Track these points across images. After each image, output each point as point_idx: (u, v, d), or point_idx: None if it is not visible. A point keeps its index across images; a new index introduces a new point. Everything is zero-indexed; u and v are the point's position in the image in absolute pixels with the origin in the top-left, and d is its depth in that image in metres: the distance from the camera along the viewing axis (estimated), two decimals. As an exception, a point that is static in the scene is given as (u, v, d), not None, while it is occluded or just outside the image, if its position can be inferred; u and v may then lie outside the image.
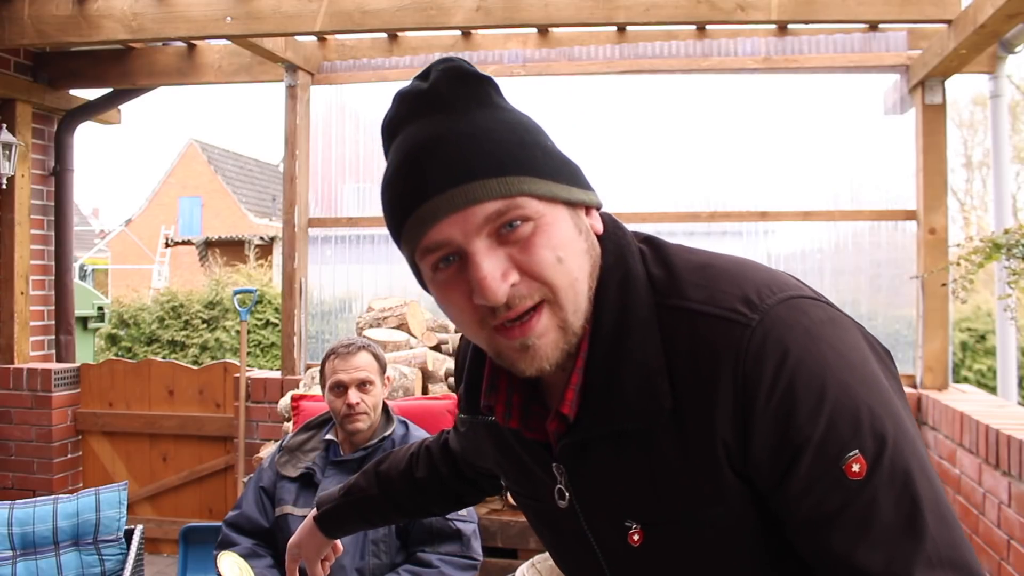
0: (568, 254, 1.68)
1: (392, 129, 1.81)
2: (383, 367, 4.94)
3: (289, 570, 2.90)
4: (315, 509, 2.83)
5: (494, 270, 1.63)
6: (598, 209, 1.85)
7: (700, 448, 1.67)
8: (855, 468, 1.58)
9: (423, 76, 1.78)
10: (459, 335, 7.18)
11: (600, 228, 1.82)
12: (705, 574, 1.80)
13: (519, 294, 1.65)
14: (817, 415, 1.59)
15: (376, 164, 8.70)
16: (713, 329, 1.66)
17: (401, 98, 1.80)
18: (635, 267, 1.78)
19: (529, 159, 1.68)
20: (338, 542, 2.93)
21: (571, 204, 1.74)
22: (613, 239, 1.82)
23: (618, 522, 1.82)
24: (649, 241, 1.87)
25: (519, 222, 1.64)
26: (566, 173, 1.74)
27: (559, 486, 1.90)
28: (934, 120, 7.24)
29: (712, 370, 1.64)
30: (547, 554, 4.31)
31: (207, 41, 8.34)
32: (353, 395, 4.76)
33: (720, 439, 1.65)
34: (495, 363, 1.88)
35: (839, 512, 1.60)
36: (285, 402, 7.00)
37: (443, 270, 1.70)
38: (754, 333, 1.63)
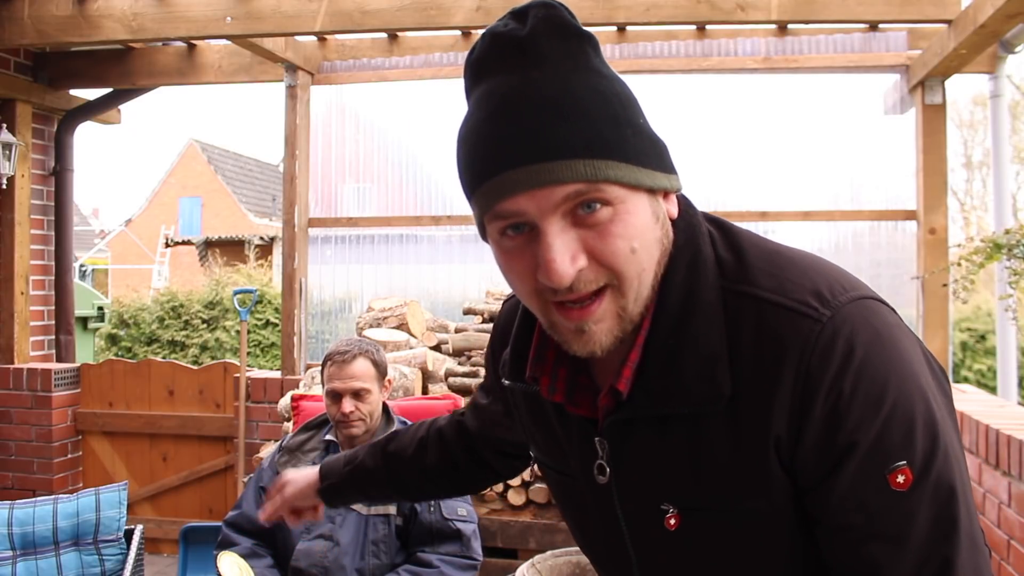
0: (642, 244, 1.62)
1: (477, 72, 1.70)
2: (382, 372, 4.93)
3: (268, 495, 2.88)
4: (318, 476, 2.79)
5: (563, 252, 1.57)
6: (678, 192, 1.78)
7: (752, 439, 1.65)
8: (900, 479, 1.56)
9: (519, 17, 1.66)
10: (459, 335, 7.19)
11: (675, 213, 1.76)
12: (735, 569, 1.78)
13: (585, 279, 1.60)
14: (873, 419, 1.57)
15: (376, 164, 8.71)
16: (781, 320, 1.63)
17: (493, 39, 1.68)
18: (705, 249, 1.74)
19: (619, 140, 1.59)
20: (320, 510, 2.88)
21: (651, 191, 1.66)
22: (686, 219, 1.77)
23: (655, 505, 1.79)
24: (719, 224, 1.83)
25: (598, 205, 1.57)
26: (653, 156, 1.66)
27: (600, 461, 1.85)
28: (934, 120, 7.25)
29: (776, 361, 1.61)
30: (547, 554, 4.31)
31: (207, 41, 8.34)
32: (347, 404, 4.75)
33: (774, 432, 1.63)
34: (543, 336, 1.86)
35: (875, 520, 1.59)
36: (285, 402, 7.00)
37: (511, 237, 1.64)
38: (824, 328, 1.59)
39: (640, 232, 1.61)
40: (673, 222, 1.75)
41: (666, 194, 1.73)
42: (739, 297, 1.67)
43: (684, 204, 1.80)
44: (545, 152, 1.54)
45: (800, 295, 1.63)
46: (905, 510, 1.56)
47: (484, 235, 1.74)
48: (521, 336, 1.94)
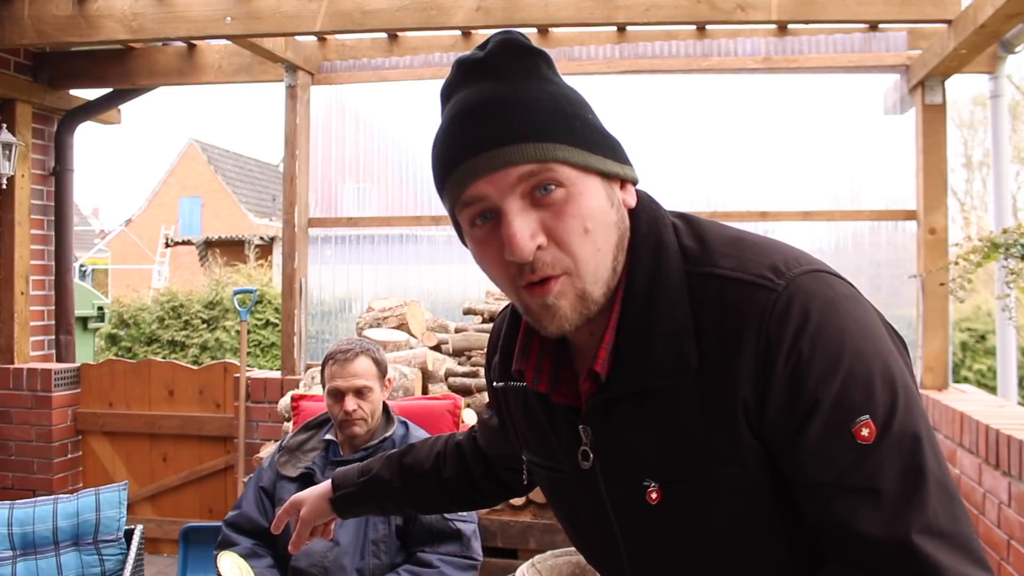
0: (596, 225, 1.76)
1: (447, 93, 1.90)
2: (383, 371, 4.94)
3: (279, 519, 2.92)
4: (331, 487, 2.82)
5: (523, 228, 1.72)
6: (634, 184, 1.93)
7: (721, 406, 1.75)
8: (864, 432, 1.64)
9: (482, 46, 1.85)
10: (459, 335, 7.21)
11: (633, 202, 1.90)
12: (718, 540, 1.85)
13: (543, 261, 1.74)
14: (832, 378, 1.66)
15: (376, 164, 8.71)
16: (741, 293, 1.74)
17: (458, 65, 1.88)
18: (668, 238, 1.87)
19: (567, 128, 1.76)
20: (332, 527, 2.93)
21: (605, 176, 1.82)
22: (648, 211, 1.91)
23: (637, 482, 1.88)
24: (684, 217, 1.95)
25: (552, 186, 1.73)
26: (604, 146, 1.82)
27: (583, 447, 1.96)
28: (934, 120, 7.24)
29: (737, 331, 1.73)
30: (547, 554, 4.31)
31: (207, 41, 8.34)
32: (350, 402, 4.76)
33: (740, 397, 1.72)
34: (528, 331, 2.00)
35: (845, 474, 1.66)
36: (285, 402, 7.00)
37: (480, 227, 1.81)
38: (779, 297, 1.71)
39: (593, 213, 1.77)
40: (636, 213, 1.91)
41: (623, 185, 1.89)
42: (702, 278, 1.80)
43: (645, 198, 1.95)
44: (498, 140, 1.73)
45: (758, 270, 1.76)
46: (873, 462, 1.65)
47: (461, 237, 1.94)
48: (509, 337, 2.11)
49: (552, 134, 1.74)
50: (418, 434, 4.98)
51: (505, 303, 2.53)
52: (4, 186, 8.32)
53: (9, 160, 8.17)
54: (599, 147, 1.81)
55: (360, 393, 4.79)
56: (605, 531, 2.02)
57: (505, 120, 1.74)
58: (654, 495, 1.86)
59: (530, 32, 7.83)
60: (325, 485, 2.84)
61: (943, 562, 1.61)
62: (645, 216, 1.90)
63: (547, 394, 2.00)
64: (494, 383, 2.25)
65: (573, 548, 4.09)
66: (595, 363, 1.85)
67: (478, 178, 1.74)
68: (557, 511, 2.24)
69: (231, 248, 27.64)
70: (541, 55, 1.85)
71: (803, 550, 1.81)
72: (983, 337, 13.29)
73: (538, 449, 2.16)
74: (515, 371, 2.03)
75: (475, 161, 1.74)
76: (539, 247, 1.74)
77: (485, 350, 2.51)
